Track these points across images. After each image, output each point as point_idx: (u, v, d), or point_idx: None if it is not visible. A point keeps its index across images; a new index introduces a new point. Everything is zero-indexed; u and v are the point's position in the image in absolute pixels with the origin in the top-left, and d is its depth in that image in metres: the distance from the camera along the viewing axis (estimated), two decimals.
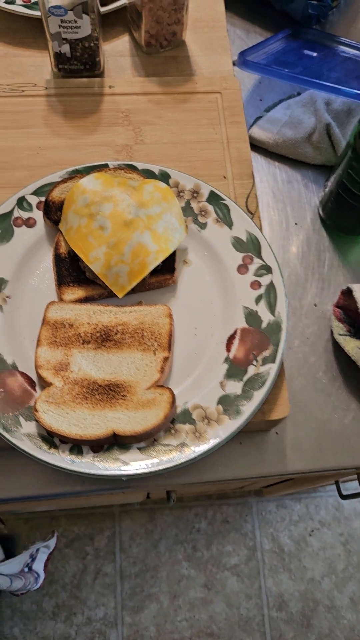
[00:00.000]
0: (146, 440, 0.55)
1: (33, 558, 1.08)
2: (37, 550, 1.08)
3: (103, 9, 0.76)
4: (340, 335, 0.67)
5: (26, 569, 1.06)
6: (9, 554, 1.01)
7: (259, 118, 0.80)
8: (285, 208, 0.76)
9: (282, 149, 0.78)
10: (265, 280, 0.61)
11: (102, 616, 1.58)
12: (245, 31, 0.89)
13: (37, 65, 0.77)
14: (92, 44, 0.71)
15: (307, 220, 0.76)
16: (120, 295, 0.58)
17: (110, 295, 0.61)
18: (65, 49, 0.71)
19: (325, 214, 0.74)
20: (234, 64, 0.82)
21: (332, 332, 0.69)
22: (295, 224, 0.76)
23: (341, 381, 0.67)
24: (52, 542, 1.12)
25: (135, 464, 0.53)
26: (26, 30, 0.79)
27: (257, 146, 0.79)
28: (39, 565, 1.11)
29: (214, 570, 1.63)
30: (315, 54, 0.83)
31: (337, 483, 0.97)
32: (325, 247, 0.75)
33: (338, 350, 0.69)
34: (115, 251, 0.57)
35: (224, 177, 0.69)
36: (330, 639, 1.59)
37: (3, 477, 0.59)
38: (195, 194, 0.65)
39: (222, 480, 0.64)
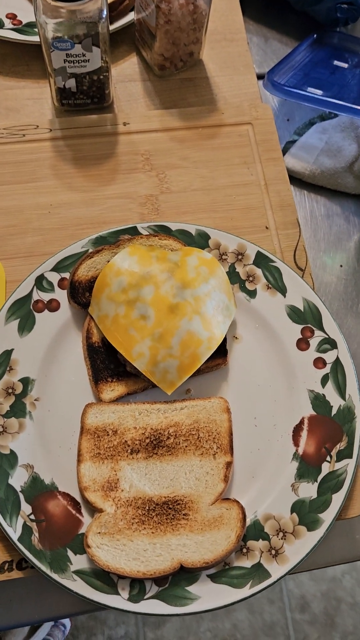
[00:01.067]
0: (216, 565, 0.47)
1: None
2: None
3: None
4: None
5: (53, 623, 1.00)
6: None
7: (290, 144, 0.71)
8: (329, 248, 0.68)
9: (320, 179, 0.69)
10: (330, 356, 0.53)
11: (123, 634, 1.54)
12: (263, 37, 0.78)
13: (35, 99, 0.66)
14: (101, 77, 0.61)
15: (352, 259, 0.68)
16: (169, 392, 0.50)
17: (155, 386, 0.53)
18: (71, 83, 0.60)
19: None
20: (258, 78, 0.72)
21: None
22: (341, 266, 0.68)
23: None
24: None
25: (207, 597, 0.46)
26: (17, 56, 0.68)
27: (289, 176, 0.70)
28: None
29: None
30: (346, 65, 0.73)
31: None
32: None
33: None
34: (162, 344, 0.49)
35: (266, 228, 0.60)
36: (355, 636, 1.58)
37: (32, 600, 0.51)
38: (240, 256, 0.56)
39: (283, 577, 0.57)
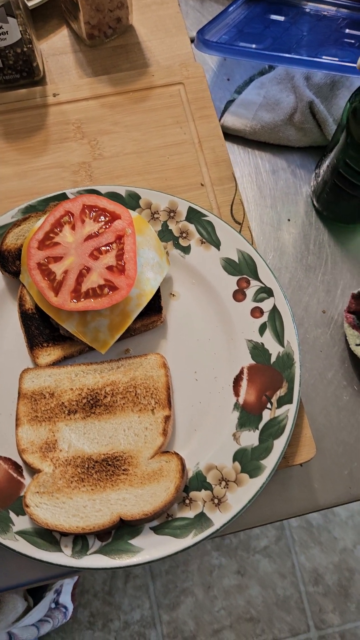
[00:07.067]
0: (159, 517, 0.48)
1: (58, 592, 1.03)
2: (62, 584, 1.03)
3: (30, 4, 0.65)
4: (357, 345, 0.59)
5: (53, 605, 1.01)
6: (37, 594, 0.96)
7: (230, 102, 0.70)
8: (275, 204, 0.67)
9: (261, 135, 0.68)
10: (266, 305, 0.53)
11: (139, 618, 1.55)
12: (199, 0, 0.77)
13: None
14: (25, 49, 0.61)
15: (301, 213, 0.67)
16: (102, 352, 0.50)
17: (92, 349, 0.53)
18: None
19: (321, 205, 0.66)
20: (191, 41, 0.71)
21: (347, 341, 0.61)
22: (288, 219, 0.67)
23: None
24: None
25: (150, 549, 0.46)
26: None
27: (231, 135, 0.70)
28: (65, 598, 1.06)
29: (244, 555, 1.60)
30: (282, 18, 0.72)
31: None
32: (324, 242, 0.66)
33: (357, 361, 0.61)
34: None
35: (202, 185, 0.60)
36: None
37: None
38: (172, 214, 0.56)
39: (246, 529, 0.57)
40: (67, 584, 1.06)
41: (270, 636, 1.55)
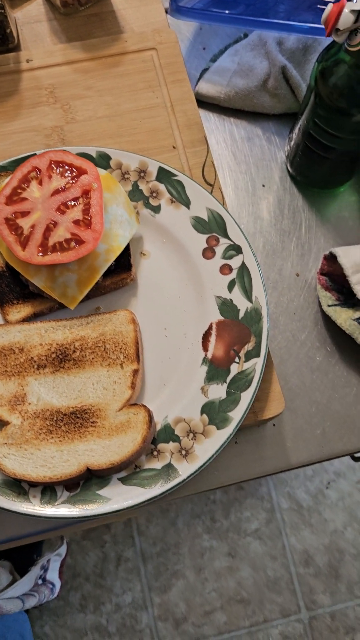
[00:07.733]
0: (126, 468, 0.48)
1: (45, 569, 1.03)
2: (49, 560, 1.03)
3: None
4: (329, 306, 0.60)
5: (40, 581, 1.01)
6: (24, 565, 0.97)
7: (205, 71, 0.70)
8: (249, 169, 0.68)
9: (236, 102, 0.68)
10: (235, 262, 0.53)
11: (130, 601, 1.56)
12: None
13: None
14: None
15: (276, 179, 0.68)
16: (71, 307, 0.51)
17: (62, 306, 0.53)
18: None
19: (294, 170, 0.66)
20: (166, 12, 0.72)
21: (320, 303, 0.62)
22: (263, 185, 0.67)
23: (337, 357, 0.61)
24: (62, 549, 1.07)
25: (118, 498, 0.47)
26: None
27: (207, 103, 0.70)
28: (52, 575, 1.06)
29: (235, 537, 1.61)
30: None
31: None
32: (299, 207, 0.67)
33: (329, 322, 0.62)
34: None
35: (173, 147, 0.60)
36: None
37: None
38: (142, 174, 0.56)
39: (219, 487, 0.58)
40: (55, 561, 1.06)
41: (261, 617, 1.56)
